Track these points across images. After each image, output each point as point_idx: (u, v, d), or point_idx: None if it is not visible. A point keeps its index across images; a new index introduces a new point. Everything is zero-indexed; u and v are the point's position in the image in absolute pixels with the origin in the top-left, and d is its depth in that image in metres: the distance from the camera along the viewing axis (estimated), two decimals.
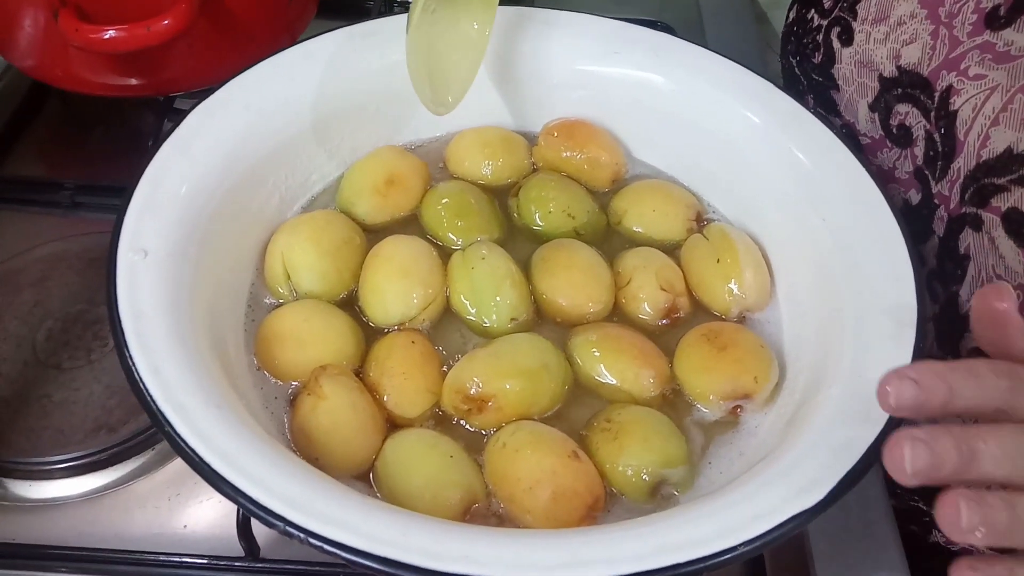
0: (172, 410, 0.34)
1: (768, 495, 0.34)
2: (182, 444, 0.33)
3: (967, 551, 0.56)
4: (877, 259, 0.42)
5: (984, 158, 0.43)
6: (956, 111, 0.44)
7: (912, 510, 0.58)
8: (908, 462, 0.30)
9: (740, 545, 0.32)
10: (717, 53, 0.52)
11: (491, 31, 0.49)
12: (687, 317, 0.48)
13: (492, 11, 0.49)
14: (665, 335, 0.47)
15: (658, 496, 0.40)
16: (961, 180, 0.44)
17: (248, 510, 0.32)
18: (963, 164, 0.44)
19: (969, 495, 0.30)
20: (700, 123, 0.52)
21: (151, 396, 0.34)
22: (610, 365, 0.44)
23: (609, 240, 0.52)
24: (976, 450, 0.30)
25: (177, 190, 0.43)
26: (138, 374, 0.35)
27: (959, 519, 0.30)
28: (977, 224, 0.44)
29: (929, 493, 0.53)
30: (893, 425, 0.35)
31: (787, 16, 0.60)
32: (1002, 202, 0.42)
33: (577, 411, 0.44)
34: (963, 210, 0.45)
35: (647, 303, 0.47)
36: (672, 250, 0.51)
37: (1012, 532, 0.30)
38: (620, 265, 0.49)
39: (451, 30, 0.49)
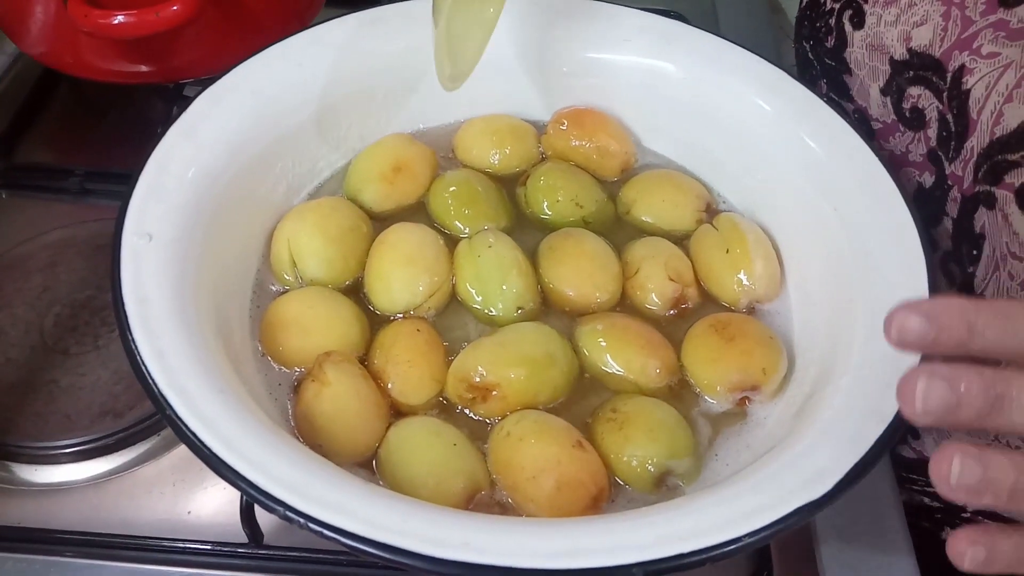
0: (174, 394, 0.34)
1: (774, 486, 0.33)
2: (184, 428, 0.33)
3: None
4: (889, 249, 0.42)
5: (997, 135, 0.42)
6: (969, 90, 0.43)
7: (924, 506, 0.57)
8: (920, 397, 0.27)
9: (744, 536, 0.31)
10: (729, 41, 0.52)
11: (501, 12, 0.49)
12: (695, 308, 0.47)
13: None
14: (673, 325, 0.46)
15: (663, 487, 0.40)
16: (974, 159, 0.44)
17: (248, 494, 0.32)
18: (976, 143, 0.44)
19: (968, 450, 0.26)
20: (711, 112, 0.52)
21: (154, 380, 0.34)
22: (616, 355, 0.44)
23: (617, 230, 0.51)
24: (1005, 396, 0.26)
25: (183, 175, 0.43)
26: (141, 358, 0.35)
27: (949, 472, 0.26)
28: (991, 202, 0.43)
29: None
30: (903, 417, 0.35)
31: (801, 0, 0.59)
32: (1015, 178, 0.42)
33: (583, 401, 0.43)
34: (976, 189, 0.44)
35: (655, 293, 0.47)
36: (681, 240, 0.50)
37: (1016, 495, 0.26)
38: (628, 255, 0.49)
39: (469, 7, 0.49)
